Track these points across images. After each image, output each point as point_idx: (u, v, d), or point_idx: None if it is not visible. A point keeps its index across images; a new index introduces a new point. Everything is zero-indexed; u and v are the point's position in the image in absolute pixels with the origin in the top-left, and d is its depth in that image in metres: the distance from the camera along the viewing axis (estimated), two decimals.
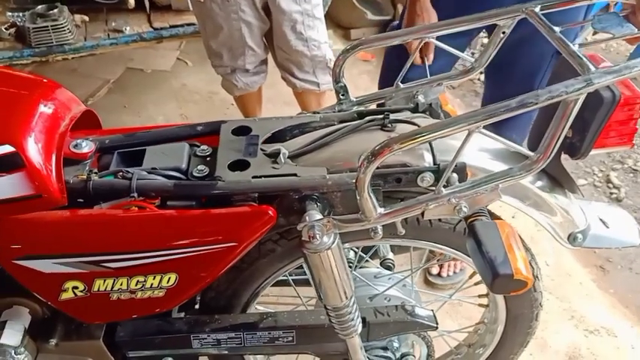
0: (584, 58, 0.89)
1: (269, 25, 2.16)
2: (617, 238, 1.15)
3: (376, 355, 1.28)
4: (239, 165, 1.04)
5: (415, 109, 1.18)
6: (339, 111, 1.21)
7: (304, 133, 1.15)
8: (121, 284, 1.02)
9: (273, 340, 1.19)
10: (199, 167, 1.05)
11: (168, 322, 1.21)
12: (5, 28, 2.76)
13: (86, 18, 2.88)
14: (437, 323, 1.23)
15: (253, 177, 1.01)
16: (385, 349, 1.29)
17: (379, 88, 1.71)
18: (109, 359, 1.17)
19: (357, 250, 1.39)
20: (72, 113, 1.08)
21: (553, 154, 0.89)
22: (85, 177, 1.02)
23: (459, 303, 1.86)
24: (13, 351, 1.07)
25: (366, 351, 1.22)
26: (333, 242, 0.98)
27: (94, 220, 1.00)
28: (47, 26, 2.66)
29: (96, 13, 2.91)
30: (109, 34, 2.80)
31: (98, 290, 1.02)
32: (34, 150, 0.95)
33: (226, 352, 1.21)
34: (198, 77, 3.17)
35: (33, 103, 1.03)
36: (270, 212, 0.98)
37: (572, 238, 1.12)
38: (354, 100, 1.23)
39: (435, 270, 2.04)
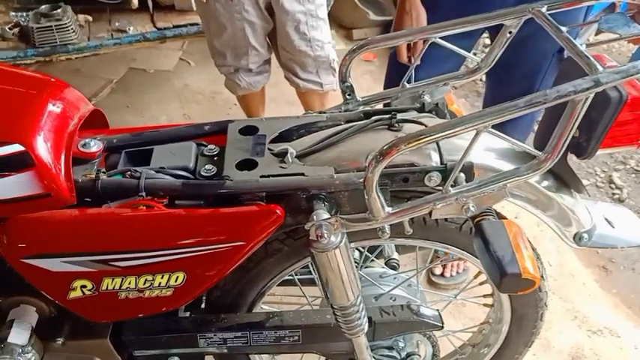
0: (592, 58, 0.89)
1: (272, 25, 2.16)
2: (623, 238, 1.16)
3: (382, 355, 1.29)
4: (247, 164, 1.04)
5: (421, 109, 1.18)
6: (345, 111, 1.21)
7: (311, 133, 1.15)
8: (130, 283, 1.02)
9: (280, 340, 1.19)
10: (207, 166, 1.05)
11: (175, 321, 1.21)
12: (9, 28, 2.77)
13: (90, 18, 2.89)
14: (442, 323, 1.23)
15: (261, 176, 1.01)
16: (391, 348, 1.29)
17: (385, 88, 1.71)
18: (116, 358, 1.17)
19: (362, 249, 1.40)
20: (80, 112, 1.09)
21: (561, 154, 0.90)
22: (93, 176, 1.02)
23: (463, 303, 1.86)
24: (20, 350, 1.07)
25: (371, 350, 1.22)
26: (341, 241, 0.99)
27: (103, 219, 1.00)
28: (51, 26, 2.67)
29: (99, 13, 2.93)
30: (112, 34, 2.82)
31: (106, 289, 1.03)
32: (43, 149, 0.95)
33: (232, 351, 1.21)
34: (201, 77, 3.18)
35: (42, 103, 1.03)
36: (277, 211, 0.98)
37: (577, 238, 1.12)
38: (361, 99, 1.23)
39: (438, 270, 2.04)
